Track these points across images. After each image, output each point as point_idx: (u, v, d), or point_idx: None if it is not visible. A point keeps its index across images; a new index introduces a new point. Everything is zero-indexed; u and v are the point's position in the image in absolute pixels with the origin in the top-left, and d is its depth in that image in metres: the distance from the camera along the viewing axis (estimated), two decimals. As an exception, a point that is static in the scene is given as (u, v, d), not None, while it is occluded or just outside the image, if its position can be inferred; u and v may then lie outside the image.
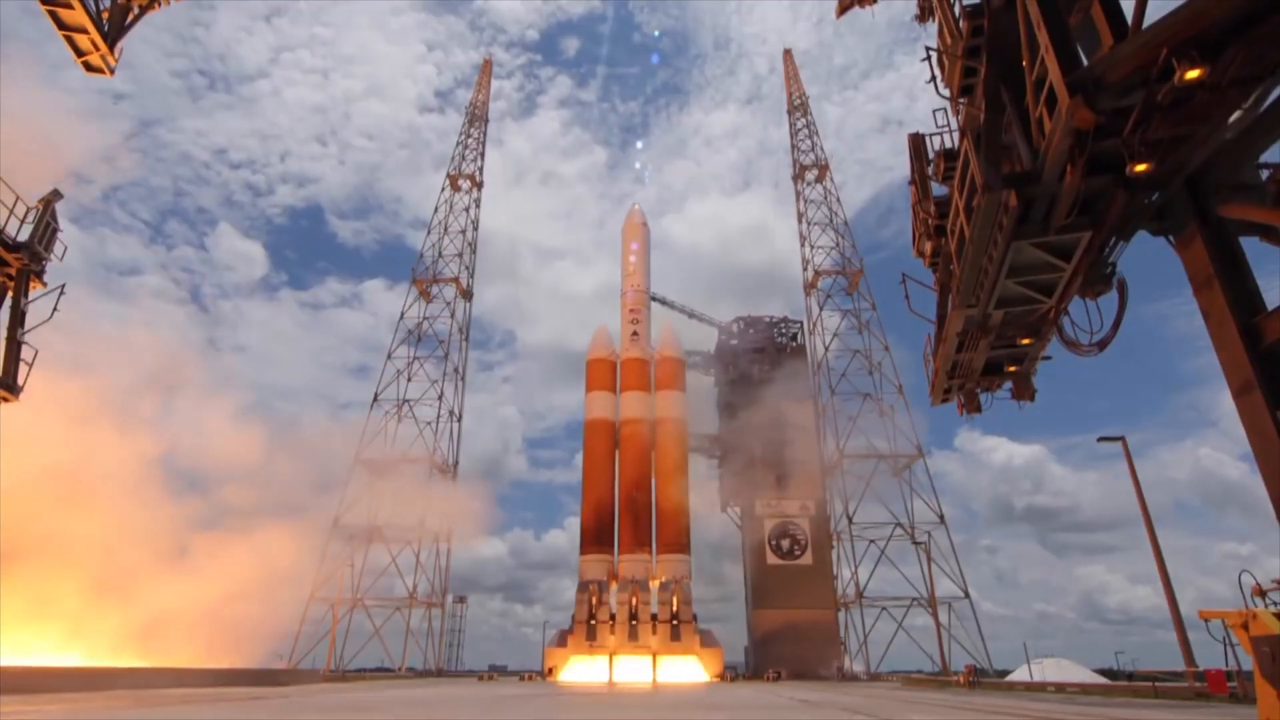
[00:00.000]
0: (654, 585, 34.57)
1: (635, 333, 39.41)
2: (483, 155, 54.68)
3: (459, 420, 46.17)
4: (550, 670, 32.87)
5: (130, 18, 12.28)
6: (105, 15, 11.72)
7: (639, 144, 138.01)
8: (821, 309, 49.06)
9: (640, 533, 35.40)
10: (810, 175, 53.60)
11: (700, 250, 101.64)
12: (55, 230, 15.19)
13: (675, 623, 33.48)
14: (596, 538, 35.35)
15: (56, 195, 15.24)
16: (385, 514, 41.16)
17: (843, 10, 15.38)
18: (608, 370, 39.11)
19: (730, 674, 34.72)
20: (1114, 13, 6.09)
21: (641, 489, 36.15)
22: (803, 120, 55.97)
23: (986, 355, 10.43)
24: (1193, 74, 5.17)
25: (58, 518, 21.52)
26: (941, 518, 41.93)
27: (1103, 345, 8.42)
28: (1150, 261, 8.36)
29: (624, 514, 35.78)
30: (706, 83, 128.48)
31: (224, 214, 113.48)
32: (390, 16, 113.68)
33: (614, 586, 34.52)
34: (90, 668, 17.57)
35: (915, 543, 41.55)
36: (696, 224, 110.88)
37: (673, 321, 41.28)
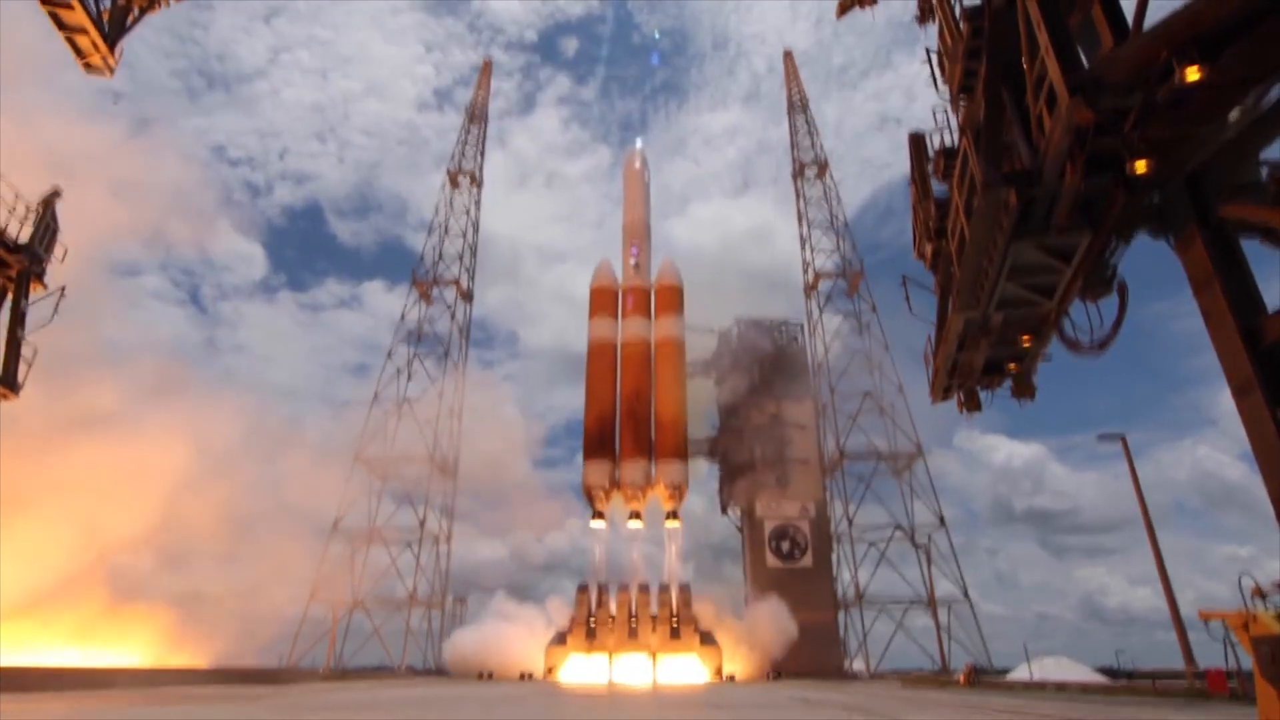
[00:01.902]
0: (654, 494, 35.75)
1: (636, 264, 40.75)
2: (482, 154, 54.72)
3: (459, 419, 46.32)
4: (550, 670, 32.89)
5: (130, 19, 12.29)
6: (105, 16, 11.73)
7: (639, 141, 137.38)
8: (822, 311, 49.13)
9: (640, 440, 36.55)
10: (810, 173, 53.65)
11: (702, 251, 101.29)
12: (55, 231, 15.14)
13: (675, 622, 33.52)
14: (599, 445, 36.48)
15: (56, 194, 15.19)
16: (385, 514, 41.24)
17: (843, 10, 15.42)
18: (610, 298, 40.68)
19: (730, 674, 34.72)
20: (1114, 13, 6.10)
21: (641, 400, 37.50)
22: (802, 118, 56.03)
23: (986, 354, 10.44)
24: (1193, 74, 5.17)
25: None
26: (942, 520, 41.91)
27: (1103, 346, 8.41)
28: (1150, 262, 8.36)
29: (625, 422, 37.03)
30: (705, 82, 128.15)
31: (223, 213, 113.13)
32: (389, 17, 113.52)
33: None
34: (90, 668, 17.56)
35: (915, 545, 41.55)
36: (697, 225, 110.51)
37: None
